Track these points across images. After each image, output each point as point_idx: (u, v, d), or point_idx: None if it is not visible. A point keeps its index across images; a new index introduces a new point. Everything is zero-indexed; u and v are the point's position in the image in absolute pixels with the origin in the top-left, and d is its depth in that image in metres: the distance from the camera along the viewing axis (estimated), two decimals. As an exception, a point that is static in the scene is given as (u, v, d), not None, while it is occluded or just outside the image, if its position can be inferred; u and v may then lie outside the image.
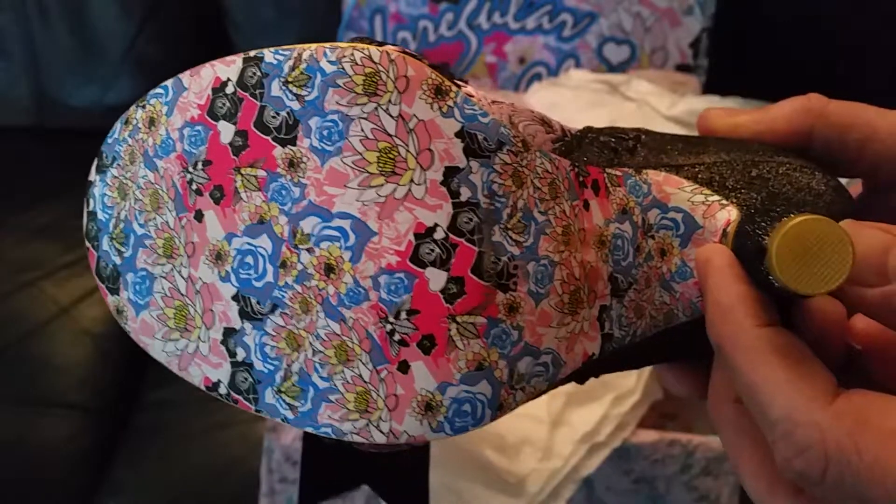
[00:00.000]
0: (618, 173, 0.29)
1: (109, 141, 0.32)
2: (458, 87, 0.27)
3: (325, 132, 0.27)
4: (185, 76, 0.30)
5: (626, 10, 1.12)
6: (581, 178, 0.29)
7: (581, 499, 0.66)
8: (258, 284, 0.28)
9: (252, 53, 0.28)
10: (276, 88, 0.27)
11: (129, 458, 0.91)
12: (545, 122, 0.30)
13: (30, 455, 0.90)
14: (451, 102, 0.27)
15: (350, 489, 0.66)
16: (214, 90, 0.29)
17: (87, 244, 0.32)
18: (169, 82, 0.30)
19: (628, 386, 0.67)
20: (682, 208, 0.29)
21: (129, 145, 0.31)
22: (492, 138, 0.27)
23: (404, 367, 0.27)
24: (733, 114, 0.31)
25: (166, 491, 0.88)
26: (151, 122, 0.30)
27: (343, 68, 0.26)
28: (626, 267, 0.29)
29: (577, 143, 0.30)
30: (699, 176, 0.29)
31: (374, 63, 0.26)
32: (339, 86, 0.27)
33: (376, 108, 0.26)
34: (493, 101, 0.29)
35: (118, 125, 0.32)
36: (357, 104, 0.27)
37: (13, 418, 0.92)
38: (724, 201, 0.29)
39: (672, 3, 1.12)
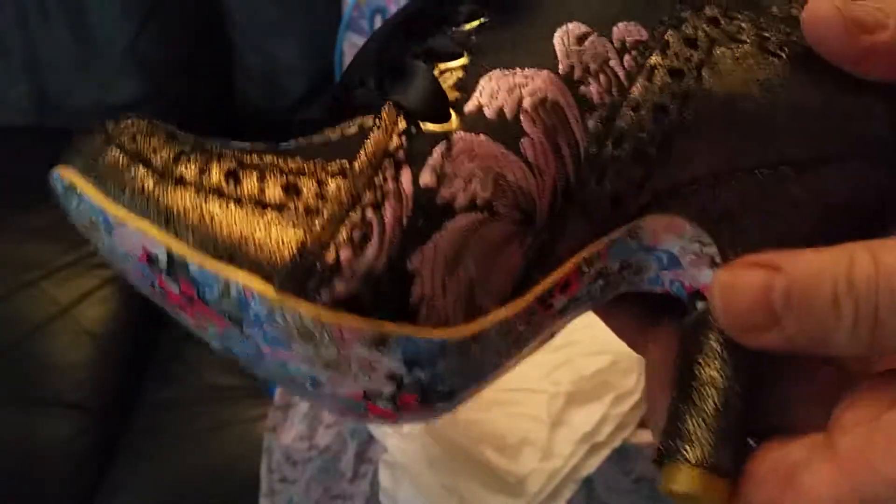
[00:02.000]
0: (601, 246, 0.25)
1: None
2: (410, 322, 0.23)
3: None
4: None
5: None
6: (545, 300, 0.25)
7: (581, 499, 0.66)
8: None
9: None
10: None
11: (129, 458, 0.91)
12: (524, 212, 0.24)
13: (30, 455, 0.91)
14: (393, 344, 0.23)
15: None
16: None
17: None
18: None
19: (628, 386, 0.67)
20: (671, 251, 0.26)
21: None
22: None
23: None
24: (864, 15, 0.24)
25: (166, 491, 0.88)
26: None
27: (275, 322, 0.23)
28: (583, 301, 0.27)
29: (562, 215, 0.24)
30: (712, 205, 0.25)
31: (310, 330, 0.23)
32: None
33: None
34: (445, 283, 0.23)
35: None
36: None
37: (13, 418, 0.93)
38: (719, 258, 0.25)
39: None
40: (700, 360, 0.25)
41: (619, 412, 0.67)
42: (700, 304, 0.26)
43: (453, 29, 0.26)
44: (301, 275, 0.22)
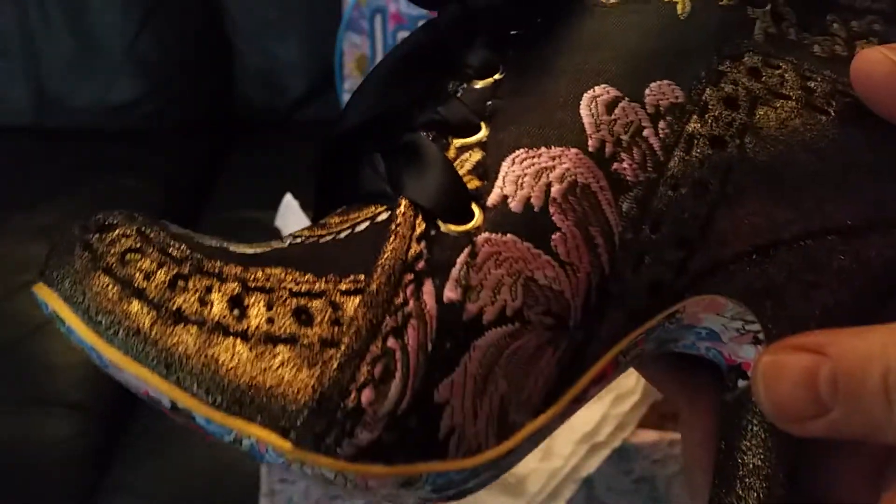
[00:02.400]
0: (639, 334, 0.23)
1: None
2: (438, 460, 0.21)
3: None
4: None
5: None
6: (580, 398, 0.24)
7: (581, 499, 0.66)
8: None
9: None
10: None
11: (129, 458, 0.91)
12: (557, 316, 0.22)
13: (30, 455, 0.90)
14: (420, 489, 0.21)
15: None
16: None
17: None
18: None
19: (628, 386, 0.67)
20: (712, 329, 0.24)
21: None
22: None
23: None
24: None
25: (166, 491, 0.88)
26: None
27: (293, 470, 0.21)
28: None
29: (598, 312, 0.22)
30: (756, 282, 0.23)
31: (331, 480, 0.21)
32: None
33: None
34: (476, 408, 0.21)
35: None
36: None
37: (13, 418, 0.92)
38: (762, 334, 0.23)
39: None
40: (743, 447, 0.23)
41: (619, 412, 0.67)
42: (741, 383, 0.24)
43: (465, 86, 0.23)
44: (319, 427, 0.20)
